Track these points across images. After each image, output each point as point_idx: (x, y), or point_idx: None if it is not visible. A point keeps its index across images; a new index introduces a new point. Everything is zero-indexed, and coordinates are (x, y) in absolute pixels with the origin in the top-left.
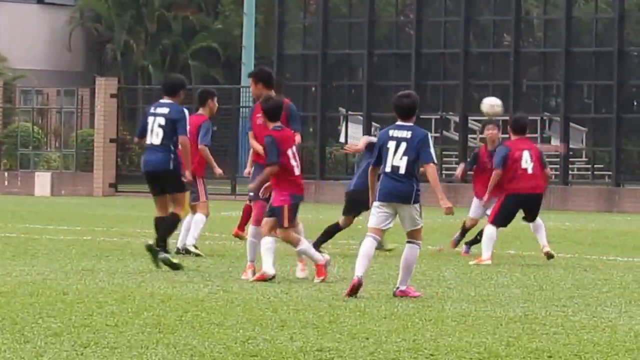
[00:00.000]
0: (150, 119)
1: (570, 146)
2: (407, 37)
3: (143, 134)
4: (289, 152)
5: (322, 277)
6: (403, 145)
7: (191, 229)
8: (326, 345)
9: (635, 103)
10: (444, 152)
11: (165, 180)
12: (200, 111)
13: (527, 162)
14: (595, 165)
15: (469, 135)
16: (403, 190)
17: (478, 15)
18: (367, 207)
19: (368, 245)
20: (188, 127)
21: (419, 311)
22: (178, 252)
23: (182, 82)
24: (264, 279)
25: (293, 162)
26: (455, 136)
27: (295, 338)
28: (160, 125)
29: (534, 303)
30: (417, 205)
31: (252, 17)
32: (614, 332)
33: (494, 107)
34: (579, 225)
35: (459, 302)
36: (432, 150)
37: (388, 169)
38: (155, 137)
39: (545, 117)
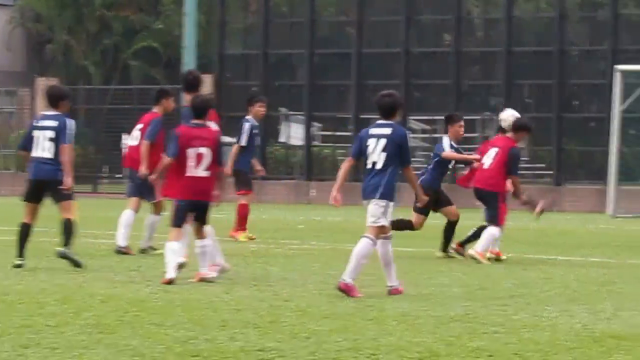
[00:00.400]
0: (37, 133)
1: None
2: (348, 37)
3: (26, 146)
4: (191, 152)
5: (199, 278)
6: (382, 141)
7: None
8: (267, 345)
9: (575, 102)
10: None
11: (53, 190)
12: (154, 109)
13: (489, 157)
14: (536, 165)
15: (411, 135)
16: (373, 186)
17: (419, 14)
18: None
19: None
20: (71, 136)
21: (360, 311)
22: (142, 251)
23: (63, 92)
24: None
25: (191, 163)
26: None
27: (236, 338)
28: (49, 139)
29: (475, 302)
30: (383, 202)
31: (192, 16)
32: (554, 331)
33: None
34: (520, 224)
35: (399, 301)
36: (409, 154)
37: (369, 166)
38: (43, 150)
39: (486, 117)
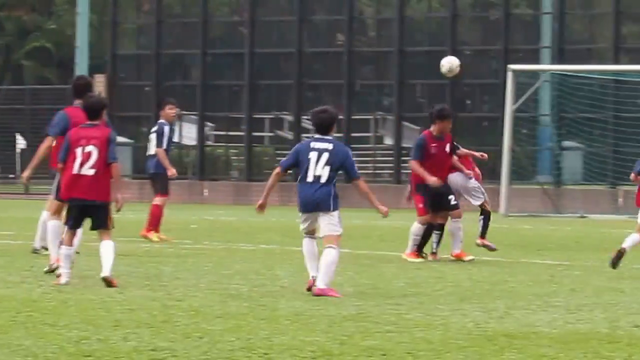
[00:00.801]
0: None
1: (404, 145)
2: (241, 37)
3: None
4: (78, 150)
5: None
6: (325, 155)
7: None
8: (160, 344)
9: (468, 102)
10: (277, 152)
11: None
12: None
13: None
14: None
15: (303, 135)
16: (322, 199)
17: (311, 14)
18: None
19: (308, 244)
20: None
21: (253, 310)
22: (35, 251)
23: None
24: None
25: (77, 162)
26: (289, 135)
27: (129, 338)
28: None
29: (368, 301)
30: (335, 213)
31: (85, 16)
32: (447, 329)
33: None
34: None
35: (292, 300)
36: (355, 164)
37: (310, 179)
38: None
39: (378, 116)
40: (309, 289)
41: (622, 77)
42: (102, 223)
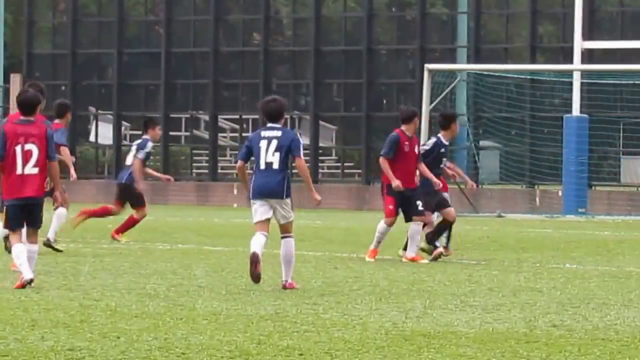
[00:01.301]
0: None
1: (320, 144)
2: (157, 36)
3: None
4: (18, 149)
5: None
6: (274, 142)
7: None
8: (77, 344)
9: (384, 102)
10: (194, 152)
11: None
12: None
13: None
14: (346, 164)
15: (219, 134)
16: (276, 186)
17: (227, 14)
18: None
19: (261, 239)
20: None
21: (170, 310)
22: None
23: None
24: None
25: (18, 160)
26: (205, 135)
27: (47, 337)
28: None
29: (285, 301)
30: (288, 200)
31: (0, 15)
32: (364, 329)
33: None
34: (329, 223)
35: (210, 300)
36: (301, 146)
37: (262, 166)
38: None
39: (295, 116)
40: (256, 278)
41: (538, 76)
42: (38, 222)
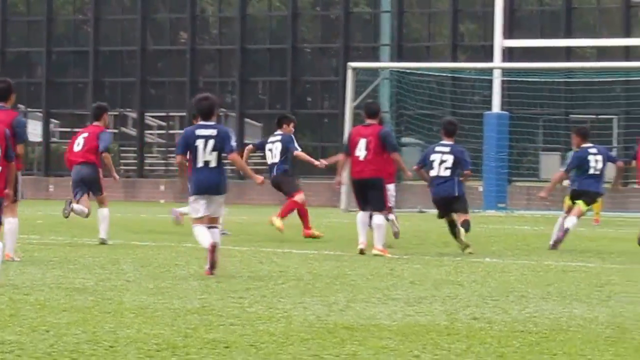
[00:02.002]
0: None
1: (246, 141)
2: (86, 35)
3: None
4: None
5: None
6: (211, 142)
7: None
8: (7, 338)
9: (309, 99)
10: (122, 148)
11: None
12: (96, 123)
13: (360, 149)
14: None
15: (146, 131)
16: (215, 183)
17: (154, 13)
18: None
19: (206, 230)
20: None
21: (99, 304)
22: None
23: None
24: None
25: None
26: (133, 132)
27: None
28: None
29: (211, 295)
30: (224, 196)
31: None
32: (289, 322)
33: None
34: (255, 218)
35: (137, 294)
36: (233, 142)
37: (200, 164)
38: None
39: (221, 113)
40: (212, 266)
41: (459, 74)
42: None
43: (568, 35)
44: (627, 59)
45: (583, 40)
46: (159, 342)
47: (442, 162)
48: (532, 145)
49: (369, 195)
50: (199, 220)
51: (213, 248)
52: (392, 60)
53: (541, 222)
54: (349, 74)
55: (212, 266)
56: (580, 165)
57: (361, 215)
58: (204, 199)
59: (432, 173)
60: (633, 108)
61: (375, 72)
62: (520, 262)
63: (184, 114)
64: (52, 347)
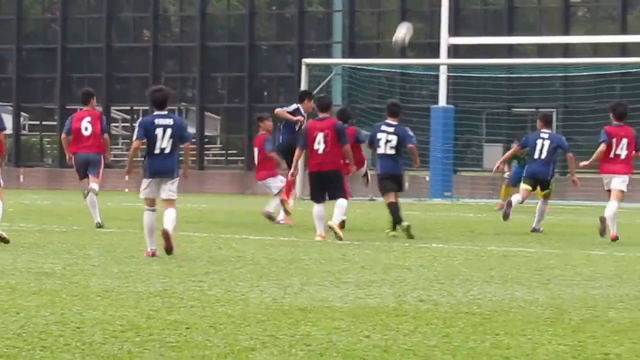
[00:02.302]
0: None
1: (206, 133)
2: (54, 33)
3: None
4: None
5: None
6: (169, 130)
7: None
8: None
9: (265, 94)
10: None
11: None
12: (86, 107)
13: (319, 142)
14: (229, 152)
15: (112, 124)
16: (168, 168)
17: (119, 12)
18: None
19: (150, 216)
20: None
21: (66, 287)
22: None
23: None
24: None
25: None
26: None
27: None
28: None
29: (173, 279)
30: (177, 180)
31: None
32: (246, 304)
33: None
34: (214, 206)
35: (103, 278)
36: (188, 131)
37: (157, 151)
38: None
39: (182, 107)
40: (169, 250)
41: (407, 70)
42: None
43: (510, 33)
44: (566, 56)
45: (524, 38)
46: (124, 323)
47: (387, 141)
48: (476, 137)
49: (329, 187)
50: (149, 201)
51: (166, 234)
52: (344, 56)
53: (484, 209)
54: (303, 70)
55: (169, 251)
56: (526, 145)
57: (317, 209)
58: (157, 183)
59: (379, 151)
60: (571, 102)
61: (328, 68)
62: (464, 248)
63: (147, 107)
64: (22, 328)
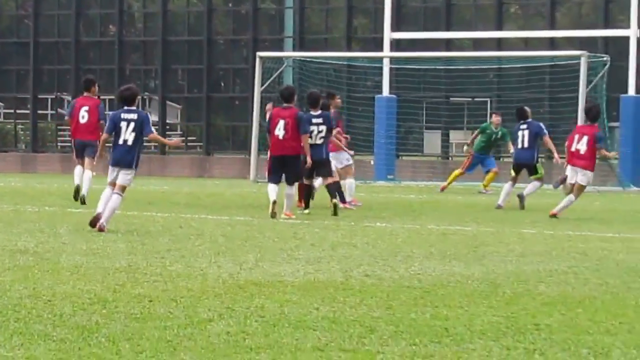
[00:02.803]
0: None
1: (167, 121)
2: (27, 28)
3: None
4: None
5: None
6: (132, 124)
7: None
8: None
9: (222, 84)
10: (58, 127)
11: None
12: (86, 94)
13: (280, 129)
14: (189, 138)
15: None
16: (128, 159)
17: (87, 9)
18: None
19: (108, 192)
20: None
21: (38, 263)
22: None
23: None
24: None
25: None
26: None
27: None
28: None
29: (137, 255)
30: (134, 170)
31: None
32: (205, 279)
33: None
34: (175, 188)
35: (72, 255)
36: (150, 124)
37: (121, 142)
38: None
39: (145, 97)
40: (93, 223)
41: (353, 62)
42: None
43: (448, 28)
44: (499, 49)
45: (461, 33)
46: (91, 296)
47: (318, 132)
48: (417, 124)
49: (286, 170)
50: (110, 184)
51: (98, 219)
52: (294, 50)
53: (425, 191)
54: (257, 63)
55: (93, 224)
56: (514, 139)
57: (271, 187)
58: (117, 170)
59: (310, 142)
60: (504, 92)
61: (280, 60)
62: (407, 227)
63: (113, 97)
64: None
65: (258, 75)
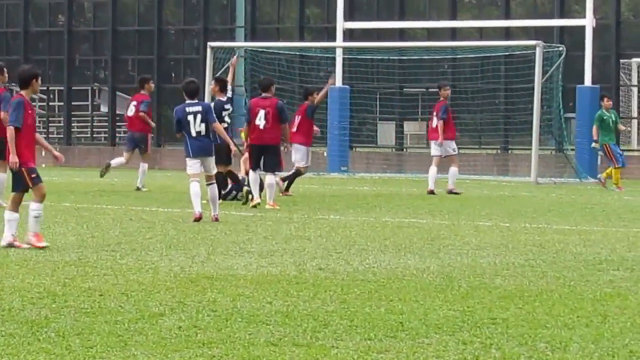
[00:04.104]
0: None
1: (117, 112)
2: None
3: None
4: None
5: None
6: (199, 116)
7: None
8: None
9: (173, 75)
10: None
11: None
12: (142, 92)
13: (260, 119)
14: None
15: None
16: (207, 147)
17: None
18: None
19: (196, 186)
20: None
21: None
22: None
23: None
24: None
25: None
26: None
27: None
28: None
29: (87, 249)
30: (214, 157)
31: None
32: (156, 273)
33: None
34: (125, 180)
35: (21, 249)
36: (214, 114)
37: (194, 134)
38: None
39: (95, 87)
40: (197, 220)
41: (306, 52)
42: None
43: (401, 18)
44: (454, 39)
45: (414, 23)
46: (41, 290)
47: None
48: (371, 115)
49: (265, 158)
50: (195, 176)
51: (200, 217)
52: (246, 40)
53: (379, 183)
54: (209, 53)
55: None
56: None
57: (253, 175)
58: (199, 161)
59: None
60: (459, 82)
61: (231, 50)
62: (360, 219)
63: (62, 88)
64: None
65: (209, 65)
